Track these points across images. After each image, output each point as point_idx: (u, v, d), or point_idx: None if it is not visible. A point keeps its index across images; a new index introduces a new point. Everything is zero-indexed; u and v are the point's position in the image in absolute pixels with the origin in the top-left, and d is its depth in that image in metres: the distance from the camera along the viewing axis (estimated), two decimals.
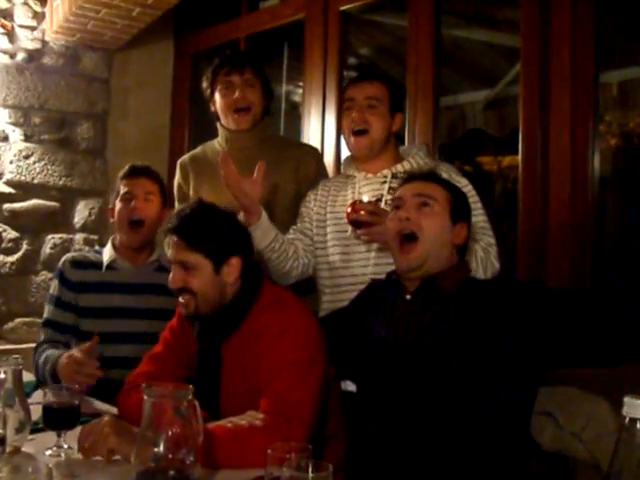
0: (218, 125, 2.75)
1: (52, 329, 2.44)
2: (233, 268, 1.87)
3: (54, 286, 2.50)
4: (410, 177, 1.97)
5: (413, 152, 2.41)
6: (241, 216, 2.22)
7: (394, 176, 2.31)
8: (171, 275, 1.88)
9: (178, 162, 2.85)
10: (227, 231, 1.90)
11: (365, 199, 2.23)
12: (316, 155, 2.84)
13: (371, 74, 2.53)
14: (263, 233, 2.25)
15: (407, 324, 1.78)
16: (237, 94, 2.61)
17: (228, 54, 2.78)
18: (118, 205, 2.49)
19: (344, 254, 2.32)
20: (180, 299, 1.89)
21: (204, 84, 2.73)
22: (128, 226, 2.47)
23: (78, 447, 1.58)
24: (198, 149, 2.87)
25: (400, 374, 1.73)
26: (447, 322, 1.70)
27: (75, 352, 2.10)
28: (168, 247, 1.89)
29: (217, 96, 2.67)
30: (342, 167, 2.50)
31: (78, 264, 2.50)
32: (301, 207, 2.49)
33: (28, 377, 2.12)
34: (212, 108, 2.73)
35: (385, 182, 2.32)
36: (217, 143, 2.77)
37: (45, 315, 2.49)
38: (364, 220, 2.16)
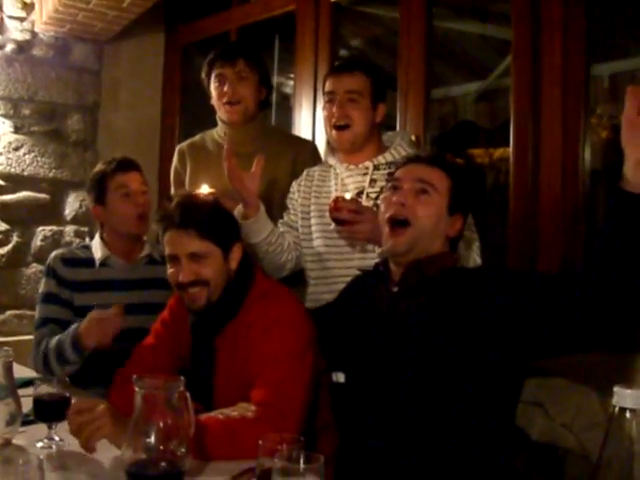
0: (217, 117, 2.75)
1: (52, 325, 2.36)
2: (236, 254, 1.90)
3: (48, 284, 2.44)
4: (415, 158, 1.89)
5: (396, 142, 2.38)
6: (238, 209, 2.23)
7: (376, 168, 2.31)
8: (181, 270, 1.85)
9: (177, 148, 2.88)
10: (228, 217, 1.94)
11: (348, 196, 2.20)
12: (313, 150, 2.83)
13: (351, 64, 2.49)
14: (262, 226, 2.26)
15: (394, 316, 1.76)
16: (227, 88, 2.62)
17: (222, 46, 2.77)
18: (118, 201, 2.44)
19: (329, 246, 2.32)
20: (186, 294, 1.87)
21: (202, 76, 2.73)
22: (138, 220, 2.45)
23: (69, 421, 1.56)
24: (197, 137, 2.88)
25: (387, 367, 1.72)
26: (432, 311, 1.69)
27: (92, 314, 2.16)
28: (168, 243, 1.87)
29: (212, 89, 2.68)
30: (324, 155, 2.49)
31: (69, 262, 2.46)
32: (287, 199, 2.48)
33: (20, 372, 2.10)
34: (211, 100, 2.74)
35: (367, 174, 2.31)
36: (216, 133, 2.78)
37: (40, 315, 2.41)
38: (345, 219, 2.15)
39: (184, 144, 2.86)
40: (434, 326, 1.67)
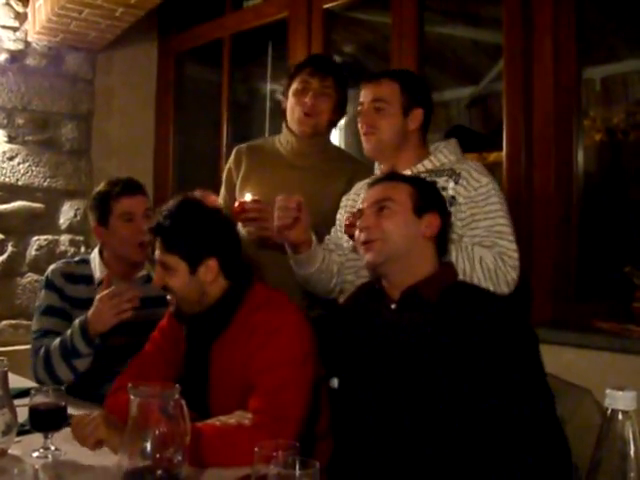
0: (284, 124, 2.70)
1: (53, 336, 2.28)
2: (210, 269, 1.86)
3: (49, 297, 2.39)
4: (374, 181, 1.96)
5: (438, 150, 2.28)
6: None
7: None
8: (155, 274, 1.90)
9: (235, 148, 2.81)
10: (203, 233, 1.87)
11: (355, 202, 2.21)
12: (370, 170, 2.67)
13: (381, 72, 2.38)
14: (314, 257, 2.22)
15: (392, 330, 1.76)
16: (309, 99, 2.56)
17: (318, 55, 2.72)
18: (120, 226, 2.40)
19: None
20: (168, 296, 1.91)
21: (284, 79, 2.70)
22: (138, 247, 2.38)
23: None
24: (259, 140, 2.86)
25: (384, 380, 1.72)
26: (431, 330, 1.69)
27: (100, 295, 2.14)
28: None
29: (290, 92, 2.62)
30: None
31: (69, 277, 2.43)
32: (337, 214, 2.45)
33: (15, 382, 2.10)
34: (284, 103, 2.68)
35: None
36: (277, 140, 2.73)
37: (40, 326, 2.34)
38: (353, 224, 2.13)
39: (243, 145, 2.80)
40: (432, 343, 1.66)
